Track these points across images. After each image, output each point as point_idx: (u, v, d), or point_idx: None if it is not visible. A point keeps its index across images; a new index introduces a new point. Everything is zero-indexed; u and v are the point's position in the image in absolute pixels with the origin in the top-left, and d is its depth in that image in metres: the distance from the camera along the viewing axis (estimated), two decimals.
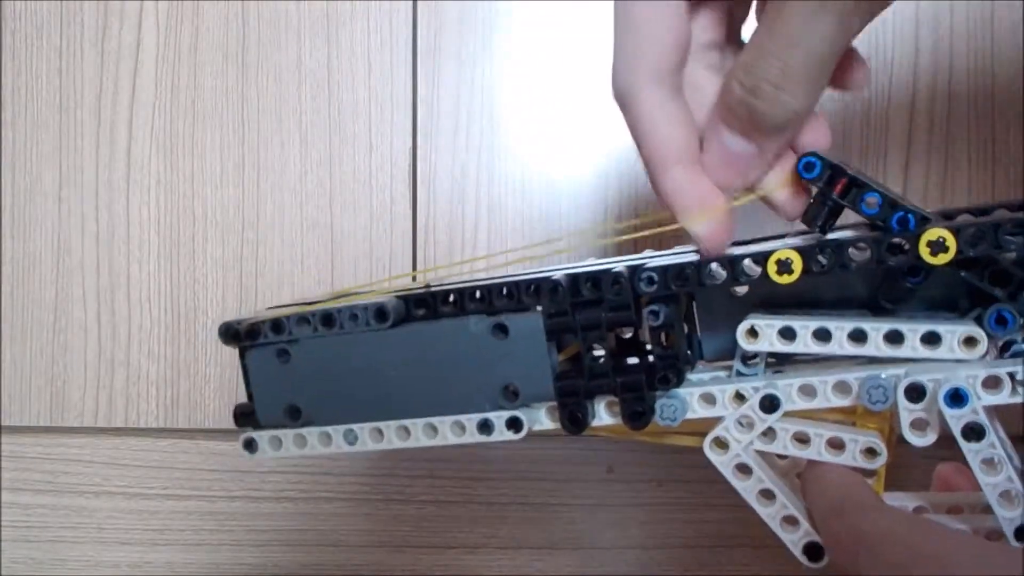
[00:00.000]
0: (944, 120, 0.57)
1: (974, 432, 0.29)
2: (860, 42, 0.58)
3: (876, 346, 0.30)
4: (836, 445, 0.31)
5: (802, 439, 0.31)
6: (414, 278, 0.59)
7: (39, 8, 0.62)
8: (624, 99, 0.31)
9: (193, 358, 0.61)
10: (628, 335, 0.35)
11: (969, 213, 0.34)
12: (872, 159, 0.58)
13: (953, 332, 0.30)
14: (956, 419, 0.29)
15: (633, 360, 0.32)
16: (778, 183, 0.32)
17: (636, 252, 0.40)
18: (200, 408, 0.61)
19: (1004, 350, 0.31)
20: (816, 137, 0.32)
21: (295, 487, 0.61)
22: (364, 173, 0.60)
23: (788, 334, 0.31)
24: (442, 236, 0.60)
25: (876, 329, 0.30)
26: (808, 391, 0.31)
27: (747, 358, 0.33)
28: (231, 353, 0.62)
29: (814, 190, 0.31)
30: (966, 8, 0.57)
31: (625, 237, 0.35)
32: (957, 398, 0.29)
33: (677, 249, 0.37)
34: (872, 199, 0.30)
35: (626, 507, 0.60)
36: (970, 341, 0.30)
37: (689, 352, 0.34)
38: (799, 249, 0.30)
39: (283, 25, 0.60)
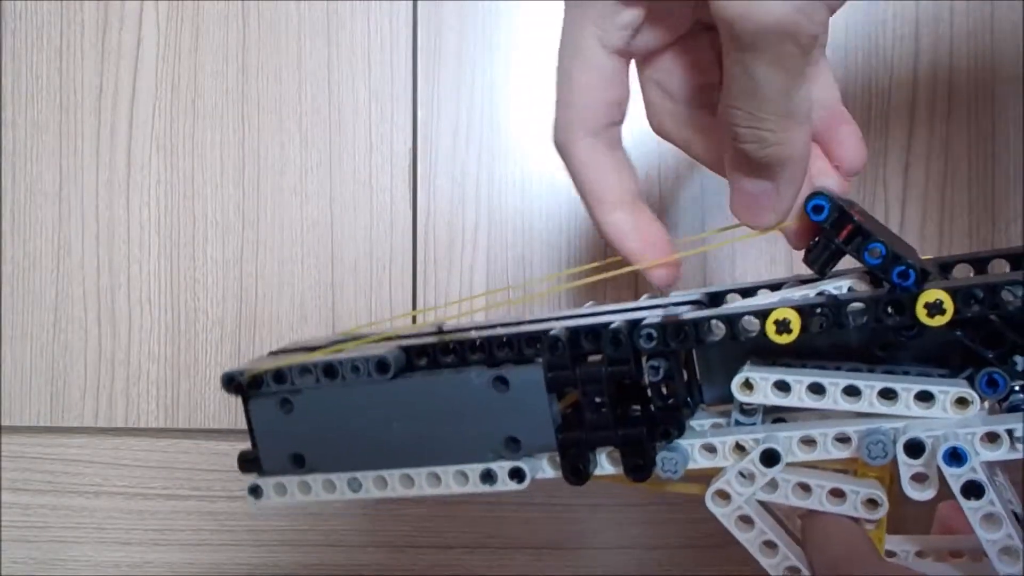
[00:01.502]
0: (944, 120, 0.57)
1: (973, 490, 0.29)
2: (861, 41, 0.58)
3: (870, 402, 0.31)
4: (838, 494, 0.32)
5: (804, 488, 0.32)
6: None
7: (39, 8, 0.62)
8: (561, 151, 0.33)
9: (193, 358, 0.61)
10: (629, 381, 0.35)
11: (967, 262, 0.34)
12: (872, 159, 0.58)
13: (946, 392, 0.30)
14: (955, 477, 0.29)
15: (635, 407, 0.33)
16: (790, 217, 0.32)
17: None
18: (200, 408, 0.61)
19: (1004, 401, 0.31)
20: (850, 152, 0.33)
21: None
22: (364, 173, 0.60)
23: (783, 387, 0.31)
24: (442, 236, 0.60)
25: (870, 386, 0.31)
26: (809, 442, 0.32)
27: (745, 408, 0.33)
28: (231, 353, 0.62)
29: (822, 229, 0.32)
30: (966, 8, 0.57)
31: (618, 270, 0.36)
32: (956, 457, 0.29)
33: (675, 296, 0.37)
34: (876, 249, 0.30)
35: (626, 507, 0.60)
36: (962, 401, 0.30)
37: (689, 399, 0.34)
38: (798, 308, 0.30)
39: (283, 25, 0.60)
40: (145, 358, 0.62)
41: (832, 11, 0.28)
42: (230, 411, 0.61)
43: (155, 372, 0.62)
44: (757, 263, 0.57)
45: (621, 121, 0.33)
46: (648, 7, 0.31)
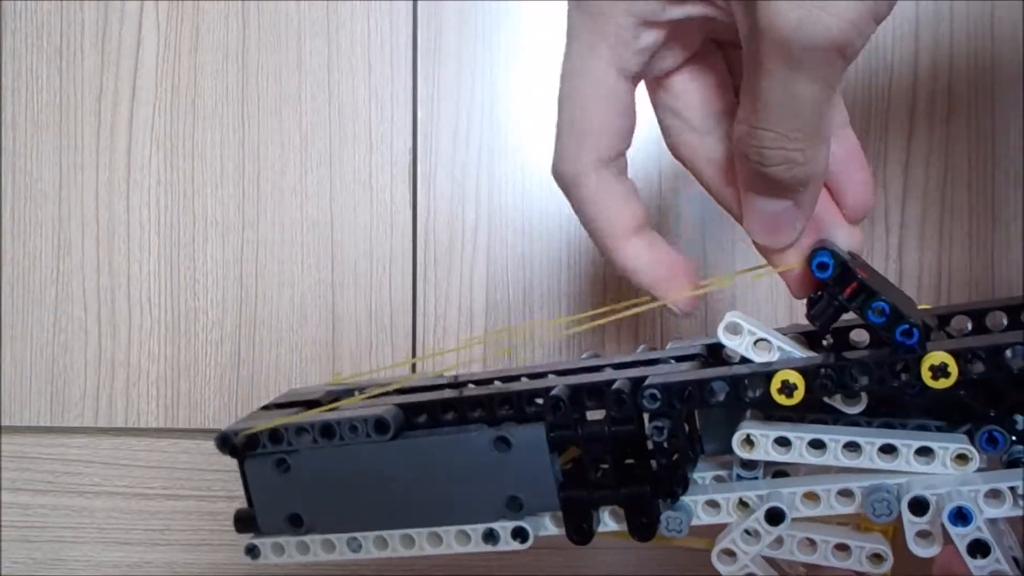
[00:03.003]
0: (944, 120, 0.57)
1: (980, 548, 0.29)
2: None
3: (871, 458, 0.31)
4: (843, 549, 0.32)
5: (810, 543, 0.32)
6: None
7: (39, 8, 0.61)
8: (567, 183, 0.32)
9: (193, 358, 0.61)
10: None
11: (964, 313, 0.34)
12: (872, 160, 0.58)
13: (946, 449, 0.30)
14: (961, 537, 0.29)
15: (636, 463, 0.32)
16: (793, 262, 0.32)
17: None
18: (200, 408, 0.61)
19: (1004, 455, 0.31)
20: (858, 200, 0.33)
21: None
22: (364, 173, 0.60)
23: (783, 443, 0.31)
24: (442, 236, 0.60)
25: (871, 442, 0.31)
26: (812, 497, 0.32)
27: (746, 462, 0.33)
28: (231, 353, 0.62)
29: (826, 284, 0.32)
30: (966, 8, 0.57)
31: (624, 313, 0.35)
32: (961, 516, 0.29)
33: (671, 346, 0.37)
34: (879, 308, 0.30)
35: None
36: (962, 458, 0.30)
37: (691, 452, 0.34)
38: (803, 371, 0.30)
39: (283, 25, 0.60)
40: (145, 358, 0.62)
41: (878, 22, 0.27)
42: (230, 411, 0.61)
43: (155, 372, 0.62)
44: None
45: (628, 148, 0.32)
46: (670, 28, 0.30)
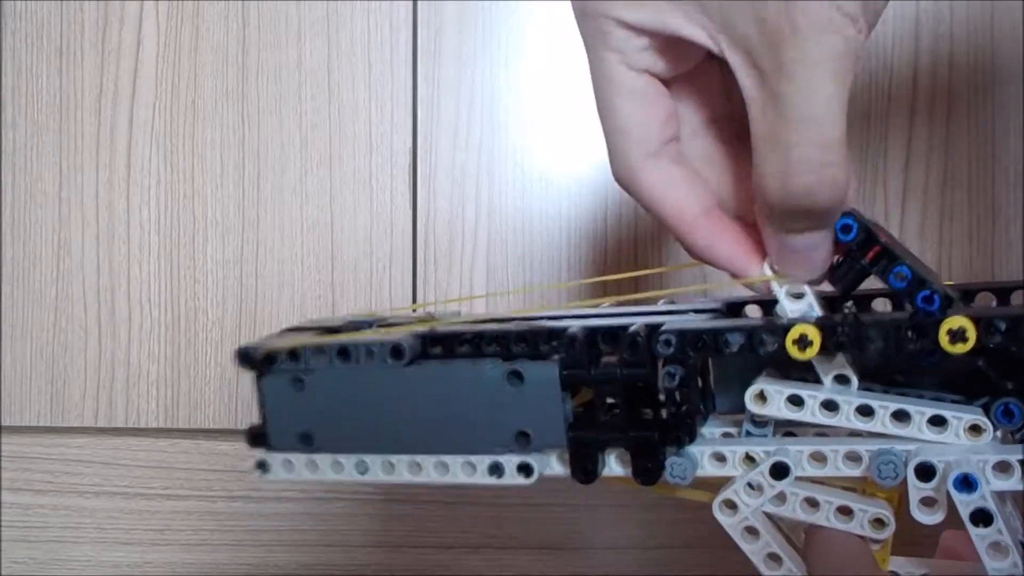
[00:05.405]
0: (944, 120, 0.57)
1: (982, 517, 0.29)
2: None
3: (883, 423, 0.31)
4: (846, 512, 0.32)
5: (812, 503, 0.32)
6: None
7: (39, 8, 0.62)
8: (627, 181, 0.32)
9: (193, 358, 0.61)
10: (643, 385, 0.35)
11: (989, 291, 0.34)
12: (872, 159, 0.58)
13: (959, 419, 0.30)
14: (965, 504, 0.29)
15: (646, 410, 0.33)
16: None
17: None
18: (200, 408, 0.61)
19: (1019, 431, 0.31)
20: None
21: (295, 487, 0.61)
22: (364, 173, 0.60)
23: (796, 401, 0.31)
24: (442, 236, 0.60)
25: (884, 407, 0.31)
26: (819, 458, 0.32)
27: (757, 420, 0.33)
28: (231, 353, 0.62)
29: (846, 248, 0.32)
30: (966, 8, 0.57)
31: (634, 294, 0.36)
32: (967, 483, 0.29)
33: (694, 303, 0.37)
34: (901, 272, 0.30)
35: (626, 507, 0.60)
36: (975, 429, 0.30)
37: (702, 407, 0.34)
38: (819, 325, 0.30)
39: (283, 25, 0.60)
40: (145, 358, 0.62)
41: (872, 26, 0.28)
42: (230, 411, 0.61)
43: (155, 372, 0.62)
44: None
45: (677, 137, 0.32)
46: (660, 39, 0.31)
